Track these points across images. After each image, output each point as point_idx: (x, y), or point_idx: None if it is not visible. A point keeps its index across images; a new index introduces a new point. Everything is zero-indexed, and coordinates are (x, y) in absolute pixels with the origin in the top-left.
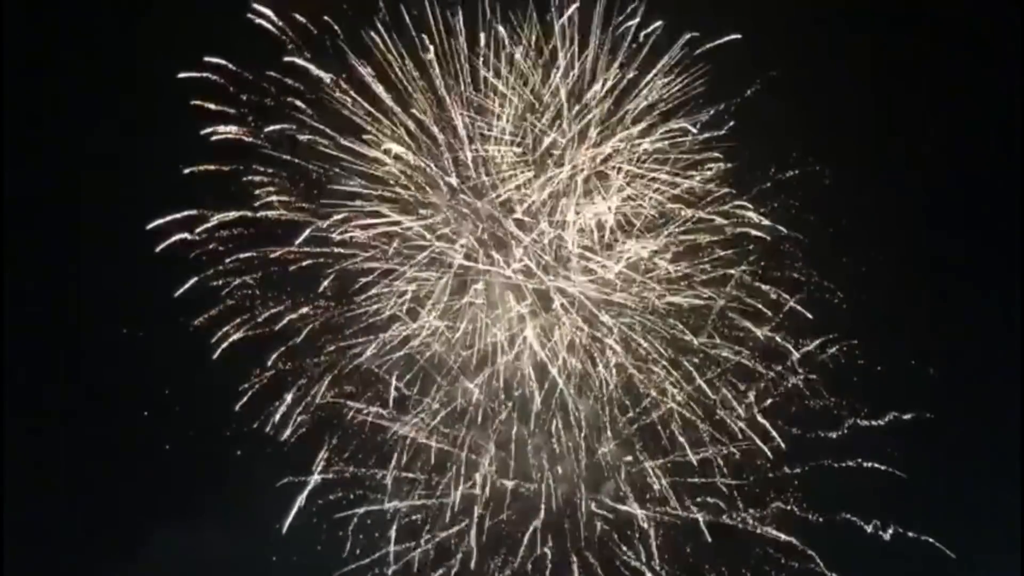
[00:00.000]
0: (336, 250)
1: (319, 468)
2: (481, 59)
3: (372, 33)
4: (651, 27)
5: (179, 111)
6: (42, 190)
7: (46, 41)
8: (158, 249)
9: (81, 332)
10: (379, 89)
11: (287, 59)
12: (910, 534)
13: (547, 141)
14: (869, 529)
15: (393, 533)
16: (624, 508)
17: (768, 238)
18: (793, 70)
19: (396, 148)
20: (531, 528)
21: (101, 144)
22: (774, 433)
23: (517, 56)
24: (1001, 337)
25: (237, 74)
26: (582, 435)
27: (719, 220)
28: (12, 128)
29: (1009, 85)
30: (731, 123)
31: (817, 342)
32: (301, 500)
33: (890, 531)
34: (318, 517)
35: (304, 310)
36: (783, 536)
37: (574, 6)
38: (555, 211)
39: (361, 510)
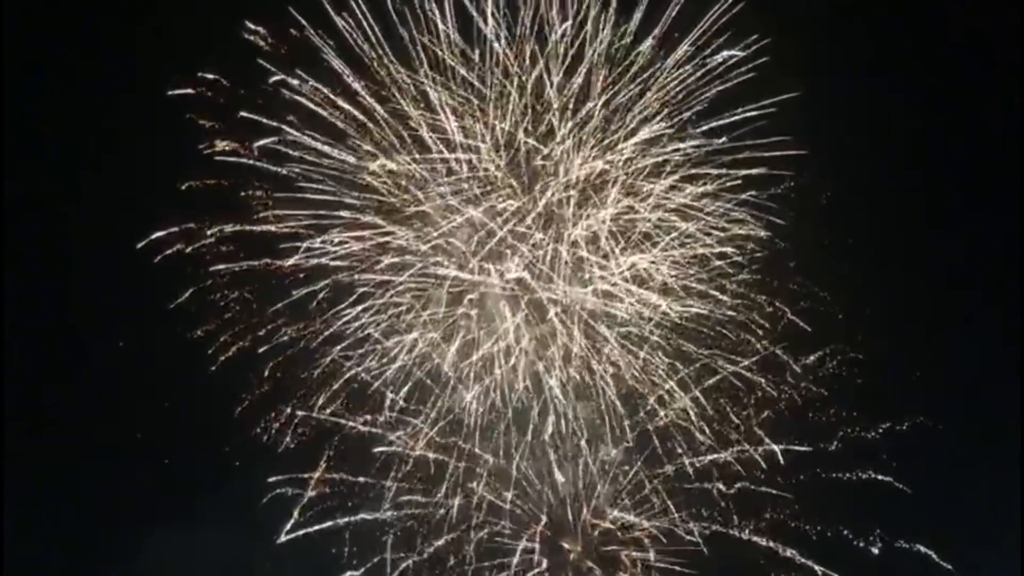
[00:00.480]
0: (331, 263)
1: (316, 477)
2: (476, 71)
3: (365, 45)
4: (643, 43)
5: (177, 124)
6: (43, 195)
7: (42, 57)
8: (156, 260)
9: (81, 341)
10: (372, 101)
11: (276, 79)
12: (906, 545)
13: (543, 152)
14: (865, 541)
15: (389, 541)
16: (621, 517)
17: (766, 250)
18: (791, 78)
19: (390, 164)
20: (527, 536)
21: (101, 154)
22: (771, 444)
23: (512, 68)
24: (1000, 345)
25: (232, 89)
26: (579, 444)
27: (716, 232)
28: (12, 137)
29: (1009, 85)
30: (723, 139)
31: (815, 355)
32: (298, 509)
33: (884, 543)
34: (314, 526)
35: (301, 322)
36: (780, 548)
37: (566, 23)
38: (551, 222)
39: (357, 518)
